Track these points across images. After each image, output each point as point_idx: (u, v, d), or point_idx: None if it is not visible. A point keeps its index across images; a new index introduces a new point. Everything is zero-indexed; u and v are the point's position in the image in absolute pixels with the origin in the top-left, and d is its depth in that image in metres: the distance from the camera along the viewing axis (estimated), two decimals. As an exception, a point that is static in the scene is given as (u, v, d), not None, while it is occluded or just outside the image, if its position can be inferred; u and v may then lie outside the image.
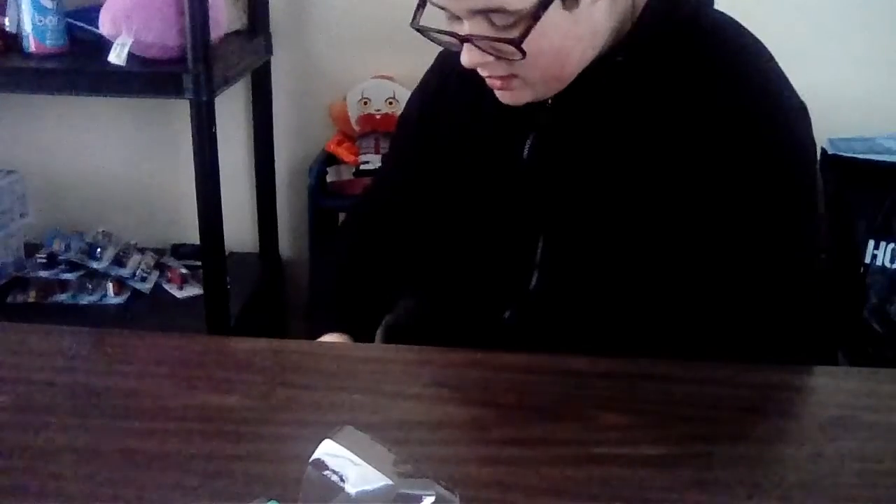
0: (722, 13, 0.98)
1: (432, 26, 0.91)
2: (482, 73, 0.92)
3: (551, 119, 0.97)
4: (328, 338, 1.03)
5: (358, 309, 1.09)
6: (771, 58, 0.95)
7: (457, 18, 0.88)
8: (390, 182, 1.17)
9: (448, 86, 1.07)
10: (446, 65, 1.09)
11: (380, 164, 1.71)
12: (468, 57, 0.89)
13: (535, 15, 0.83)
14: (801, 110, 0.95)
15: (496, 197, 1.02)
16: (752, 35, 0.97)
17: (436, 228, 1.09)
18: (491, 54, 0.88)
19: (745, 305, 0.95)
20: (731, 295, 0.95)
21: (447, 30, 0.90)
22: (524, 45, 0.84)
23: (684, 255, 0.94)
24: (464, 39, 0.88)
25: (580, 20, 0.87)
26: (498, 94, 0.95)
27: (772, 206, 0.93)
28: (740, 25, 0.97)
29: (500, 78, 0.91)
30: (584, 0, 0.85)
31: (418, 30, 0.91)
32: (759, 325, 0.95)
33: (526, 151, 0.99)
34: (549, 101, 0.96)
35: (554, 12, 0.84)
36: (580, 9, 0.85)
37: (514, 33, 0.85)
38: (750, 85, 0.92)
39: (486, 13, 0.85)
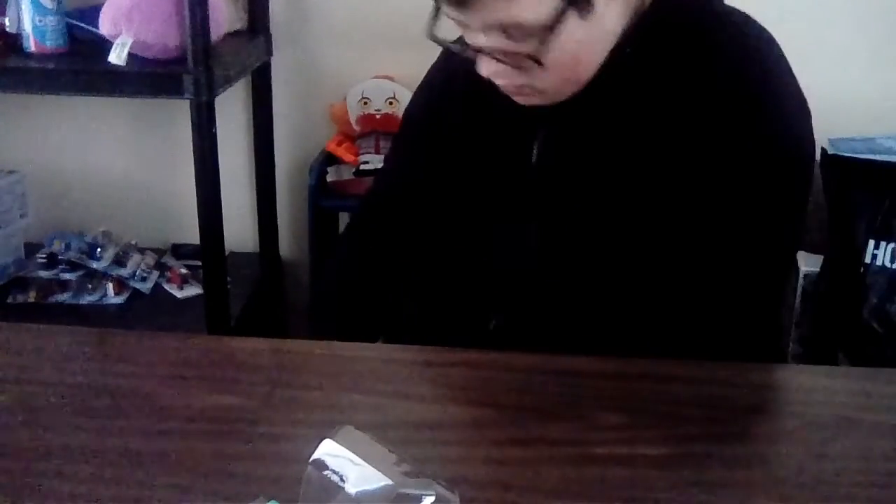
0: (733, 7, 0.97)
1: (448, 37, 0.91)
2: (497, 82, 0.92)
3: (560, 115, 0.97)
4: None
5: (358, 326, 1.09)
6: (780, 54, 0.94)
7: (472, 29, 0.87)
8: (395, 183, 1.16)
9: (453, 84, 1.07)
10: (451, 62, 1.08)
11: (380, 164, 1.70)
12: (485, 67, 0.89)
13: (552, 27, 0.83)
14: (801, 107, 0.94)
15: (503, 194, 1.01)
16: (762, 29, 0.95)
17: (436, 227, 1.09)
18: (508, 64, 0.87)
19: (704, 298, 0.94)
20: (694, 287, 0.93)
21: (463, 41, 0.90)
22: (541, 58, 0.84)
23: (674, 248, 0.93)
24: (478, 51, 0.88)
25: (595, 25, 0.86)
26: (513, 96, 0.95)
27: (758, 201, 0.92)
28: (750, 18, 0.96)
29: (516, 87, 0.91)
30: (598, 4, 0.84)
31: (434, 40, 0.91)
32: (713, 318, 0.94)
33: (536, 149, 0.98)
34: None
35: (570, 22, 0.83)
36: (595, 14, 0.85)
37: (531, 44, 0.84)
38: (751, 78, 0.92)
39: (501, 27, 0.84)
